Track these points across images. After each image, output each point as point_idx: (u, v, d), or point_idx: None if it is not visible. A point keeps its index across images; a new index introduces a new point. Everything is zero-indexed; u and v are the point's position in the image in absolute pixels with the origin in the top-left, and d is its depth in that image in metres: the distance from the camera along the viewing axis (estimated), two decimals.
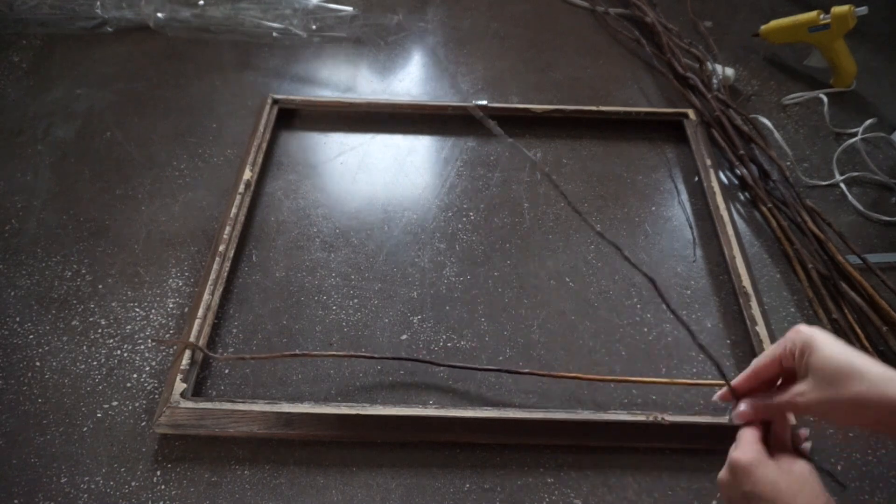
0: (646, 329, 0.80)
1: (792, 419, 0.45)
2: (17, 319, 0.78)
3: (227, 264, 0.81)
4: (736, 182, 0.99)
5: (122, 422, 0.69)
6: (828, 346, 0.41)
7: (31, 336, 0.77)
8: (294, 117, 1.07)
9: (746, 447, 0.43)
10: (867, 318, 0.79)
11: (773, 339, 0.75)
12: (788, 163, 1.00)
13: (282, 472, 0.66)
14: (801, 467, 0.42)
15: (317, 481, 0.66)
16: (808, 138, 1.07)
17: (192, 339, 0.72)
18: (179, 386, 0.68)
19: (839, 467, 0.68)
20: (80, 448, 0.67)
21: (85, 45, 1.19)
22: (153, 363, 0.75)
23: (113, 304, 0.80)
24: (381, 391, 0.73)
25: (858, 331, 0.79)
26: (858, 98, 1.15)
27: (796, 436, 0.45)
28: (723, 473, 0.45)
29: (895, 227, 0.93)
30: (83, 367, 0.74)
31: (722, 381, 0.74)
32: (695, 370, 0.76)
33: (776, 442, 0.44)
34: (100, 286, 0.82)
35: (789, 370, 0.44)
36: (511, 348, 0.77)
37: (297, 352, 0.74)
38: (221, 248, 0.82)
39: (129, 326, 0.78)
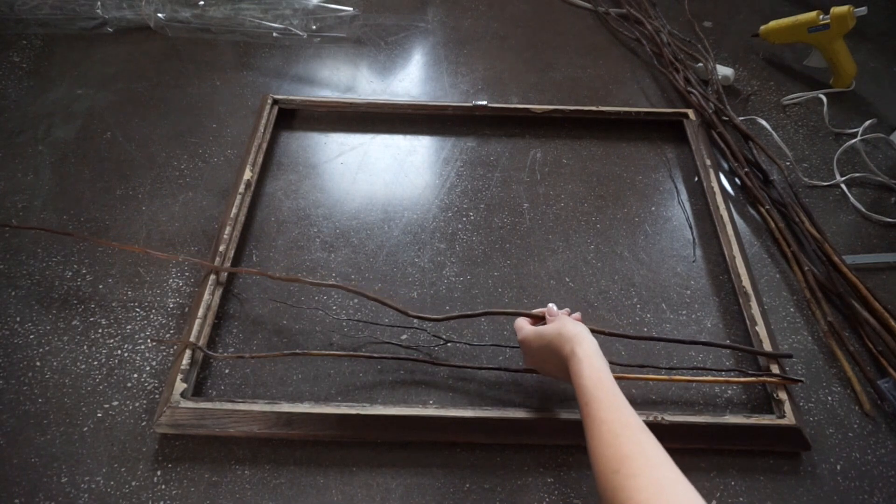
0: (646, 329, 0.80)
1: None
2: (18, 319, 0.78)
3: (228, 264, 0.81)
4: (736, 182, 0.99)
5: (123, 422, 0.70)
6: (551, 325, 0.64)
7: (32, 336, 0.77)
8: (294, 117, 1.07)
9: (519, 331, 0.68)
10: (864, 319, 0.79)
11: (772, 339, 0.76)
12: (788, 163, 1.01)
13: (282, 472, 0.66)
14: (559, 322, 0.63)
15: (317, 481, 0.66)
16: (808, 139, 1.07)
17: (192, 338, 0.73)
18: (180, 386, 0.69)
19: (839, 467, 0.68)
20: (80, 448, 0.67)
21: (85, 46, 1.19)
22: (153, 363, 0.75)
23: (113, 304, 0.80)
24: (381, 391, 0.73)
25: (864, 334, 0.80)
26: (858, 98, 1.15)
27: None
28: (523, 354, 0.69)
29: (895, 228, 0.93)
30: (83, 366, 0.74)
31: (720, 379, 0.74)
32: (694, 369, 0.76)
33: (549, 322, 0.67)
34: (100, 286, 0.82)
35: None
36: (511, 348, 0.77)
37: (298, 351, 0.74)
38: (221, 248, 0.82)
39: (129, 326, 0.78)
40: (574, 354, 0.58)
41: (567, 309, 0.69)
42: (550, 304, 0.69)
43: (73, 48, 1.19)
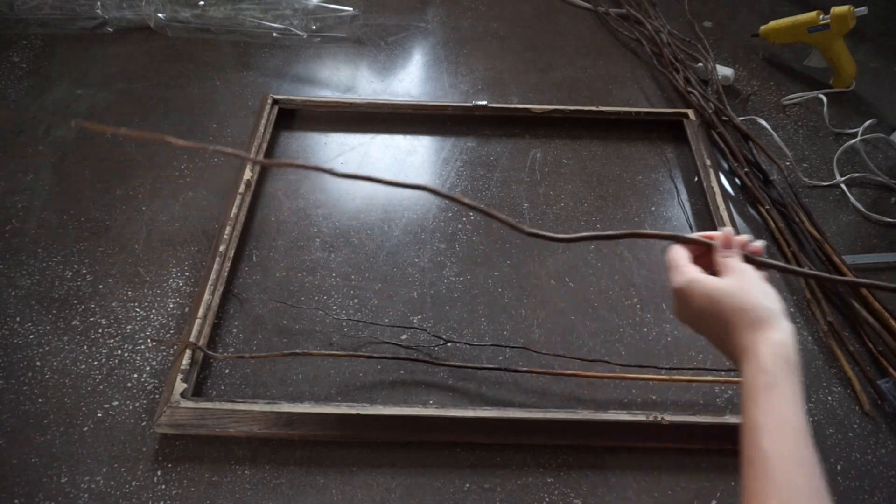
0: (646, 329, 0.80)
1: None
2: (18, 319, 0.78)
3: (228, 264, 0.81)
4: (736, 182, 0.99)
5: (123, 422, 0.70)
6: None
7: (32, 336, 0.77)
8: (294, 117, 1.07)
9: (677, 272, 0.46)
10: (864, 319, 0.79)
11: None
12: (788, 163, 1.01)
13: (282, 472, 0.66)
14: (741, 283, 0.43)
15: (317, 481, 0.66)
16: (808, 139, 1.07)
17: (192, 338, 0.73)
18: (180, 386, 0.69)
19: (839, 467, 0.68)
20: (80, 448, 0.67)
21: (85, 46, 1.19)
22: (153, 363, 0.75)
23: (113, 304, 0.80)
24: (381, 391, 0.73)
25: (863, 334, 0.80)
26: (858, 98, 1.15)
27: (751, 248, 0.47)
28: (673, 302, 0.47)
29: (895, 228, 0.93)
30: (83, 366, 0.74)
31: (720, 379, 0.74)
32: (694, 369, 0.76)
33: (719, 261, 0.46)
34: (100, 286, 0.82)
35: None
36: (511, 348, 0.77)
37: (298, 351, 0.74)
38: (222, 248, 0.82)
39: (129, 326, 0.78)
40: (753, 357, 0.39)
41: (747, 237, 0.47)
42: (726, 228, 0.47)
43: (73, 48, 1.18)
